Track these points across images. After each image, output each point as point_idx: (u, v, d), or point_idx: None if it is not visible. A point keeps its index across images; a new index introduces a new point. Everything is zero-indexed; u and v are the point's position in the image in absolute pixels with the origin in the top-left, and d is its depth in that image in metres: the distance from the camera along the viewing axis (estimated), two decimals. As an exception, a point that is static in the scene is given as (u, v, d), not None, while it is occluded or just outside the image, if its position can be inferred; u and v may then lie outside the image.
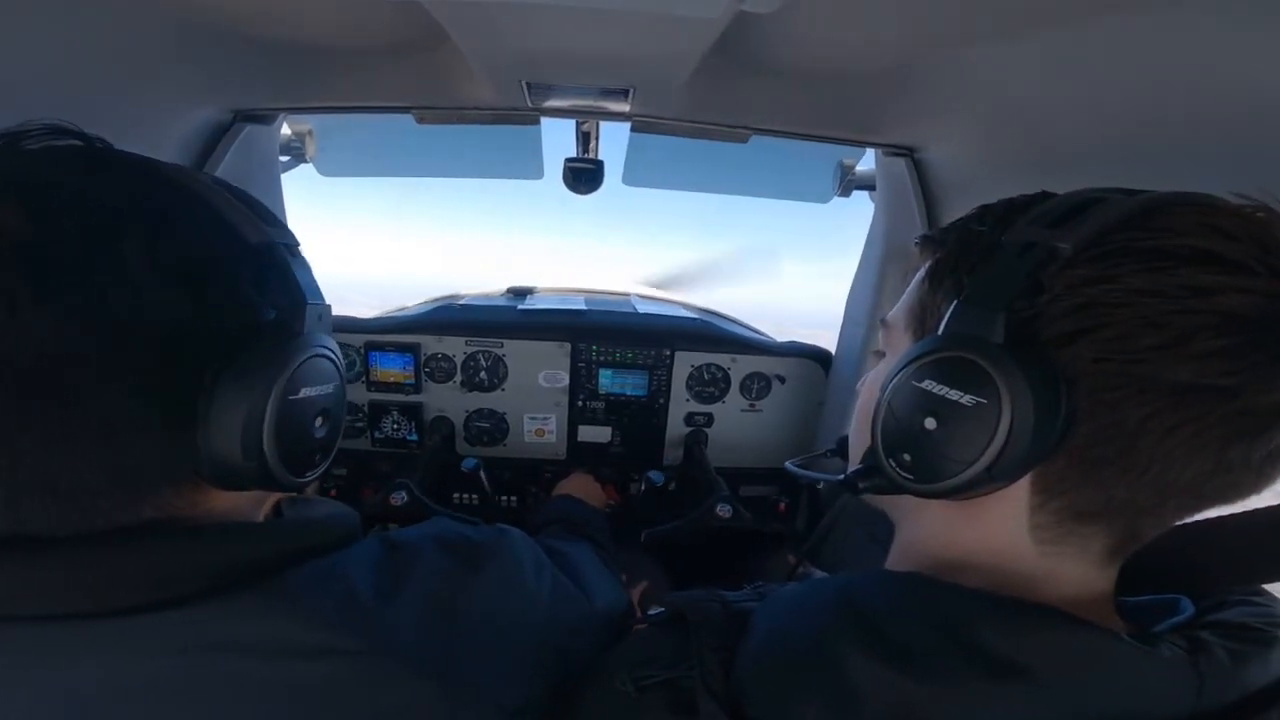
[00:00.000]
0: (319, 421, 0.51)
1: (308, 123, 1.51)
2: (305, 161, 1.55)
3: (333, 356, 0.52)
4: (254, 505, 0.54)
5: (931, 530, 0.50)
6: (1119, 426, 0.38)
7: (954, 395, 0.41)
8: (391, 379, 1.68)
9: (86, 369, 0.39)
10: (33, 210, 0.39)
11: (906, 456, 0.44)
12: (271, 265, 0.50)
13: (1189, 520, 0.43)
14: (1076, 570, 0.43)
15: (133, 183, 0.45)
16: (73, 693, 0.41)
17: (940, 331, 0.43)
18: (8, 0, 0.69)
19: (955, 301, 0.43)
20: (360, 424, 1.72)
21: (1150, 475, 0.38)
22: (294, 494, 0.58)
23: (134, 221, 0.42)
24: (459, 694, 0.48)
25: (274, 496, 0.56)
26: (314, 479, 0.53)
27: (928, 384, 0.42)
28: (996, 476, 0.40)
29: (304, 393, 0.48)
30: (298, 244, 0.54)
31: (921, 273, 0.51)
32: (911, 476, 0.44)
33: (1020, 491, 0.42)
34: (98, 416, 0.40)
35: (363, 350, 1.65)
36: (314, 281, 0.53)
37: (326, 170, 1.62)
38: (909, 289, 0.52)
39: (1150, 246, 0.37)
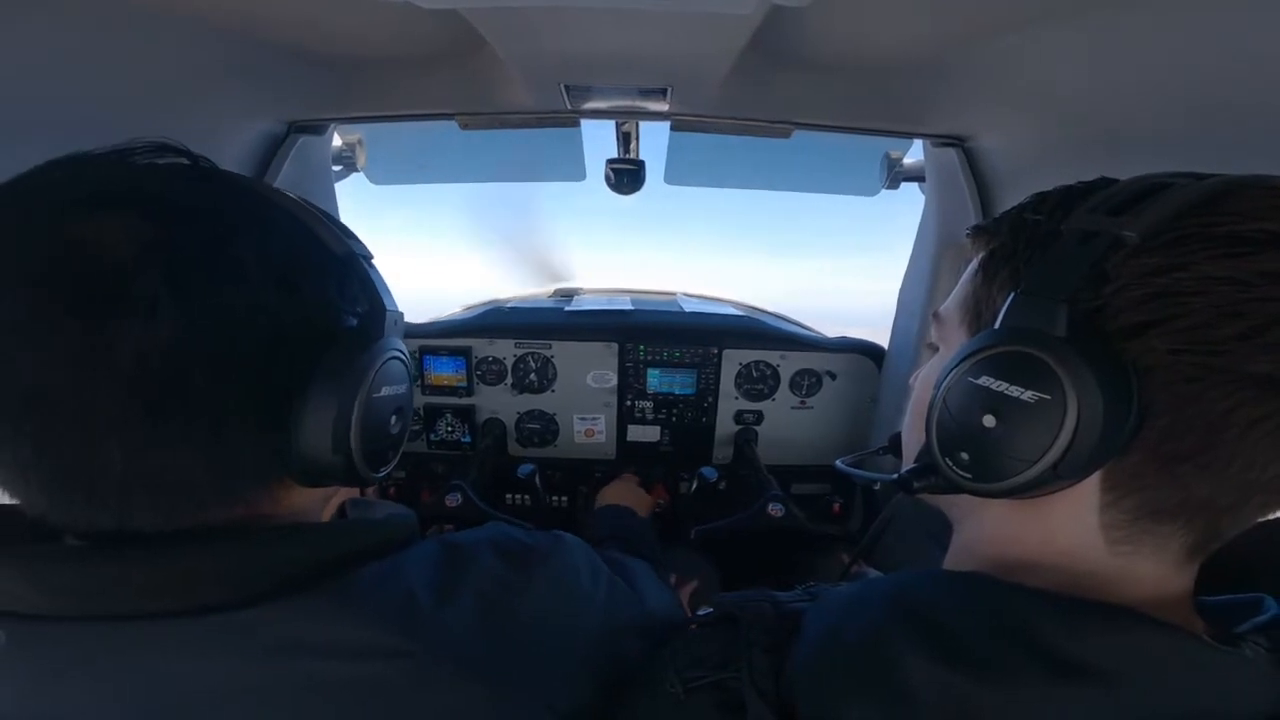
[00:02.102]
0: (394, 419, 0.54)
1: (358, 132, 1.55)
2: (356, 170, 1.58)
3: (405, 359, 0.55)
4: (320, 506, 0.57)
5: (993, 530, 0.48)
6: (1197, 420, 0.36)
7: (1014, 391, 0.39)
8: (445, 382, 1.71)
9: (207, 367, 0.41)
10: (156, 218, 0.41)
11: (964, 455, 0.43)
12: (353, 273, 0.53)
13: (1273, 516, 0.41)
14: (1153, 570, 0.41)
15: (236, 194, 0.48)
16: (150, 692, 0.43)
17: (997, 325, 0.42)
18: (74, 20, 0.72)
19: (1012, 293, 0.41)
20: (416, 427, 1.76)
21: (1232, 472, 0.36)
22: (357, 496, 0.60)
23: (244, 228, 0.45)
24: (509, 696, 0.48)
25: (338, 498, 0.58)
26: (386, 474, 0.55)
27: (985, 380, 0.41)
28: (1063, 475, 0.38)
29: (384, 391, 0.51)
30: (371, 255, 0.56)
31: (974, 264, 0.49)
32: (970, 476, 0.43)
33: (1089, 489, 0.40)
34: (210, 414, 0.42)
35: (417, 355, 1.69)
36: (389, 289, 0.56)
37: (377, 178, 1.66)
38: (962, 281, 0.51)
39: (1223, 232, 0.35)
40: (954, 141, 1.23)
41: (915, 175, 1.51)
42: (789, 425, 1.75)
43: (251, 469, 0.46)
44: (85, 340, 0.38)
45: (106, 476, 0.41)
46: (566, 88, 1.07)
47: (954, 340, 0.49)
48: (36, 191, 0.42)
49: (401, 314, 0.57)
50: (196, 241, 0.42)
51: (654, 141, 1.48)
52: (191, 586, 0.43)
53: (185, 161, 0.48)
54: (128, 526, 0.43)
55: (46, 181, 0.42)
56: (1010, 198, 1.17)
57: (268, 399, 0.45)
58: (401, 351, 0.54)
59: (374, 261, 0.56)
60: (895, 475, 0.52)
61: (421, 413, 1.74)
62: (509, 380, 1.71)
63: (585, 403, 1.74)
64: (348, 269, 0.53)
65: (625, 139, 1.42)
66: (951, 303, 0.51)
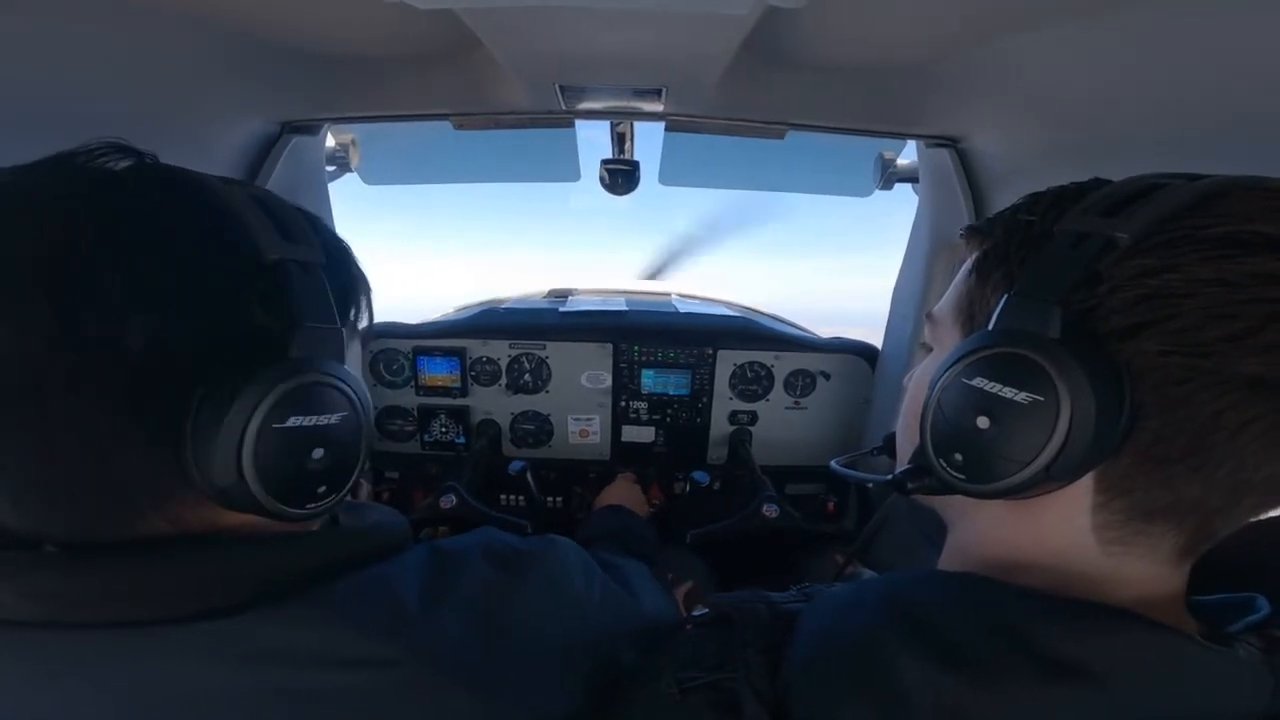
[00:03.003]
0: (319, 452, 0.47)
1: (351, 132, 1.55)
2: (350, 171, 1.58)
3: (337, 383, 0.48)
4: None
5: (986, 530, 0.48)
6: (1188, 422, 0.36)
7: (1008, 393, 0.39)
8: (439, 383, 1.71)
9: (58, 383, 0.39)
10: (33, 228, 0.40)
11: (958, 456, 0.43)
12: (280, 284, 0.47)
13: (1264, 517, 0.41)
14: (1145, 570, 0.41)
15: (158, 201, 0.45)
16: (133, 699, 0.42)
17: (991, 326, 0.42)
18: (66, 17, 0.72)
19: (1006, 295, 0.42)
20: (410, 428, 1.75)
21: (1223, 473, 0.36)
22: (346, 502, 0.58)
23: (126, 239, 0.42)
24: (496, 702, 0.48)
25: None
26: (320, 510, 0.49)
27: (979, 381, 0.41)
28: (1055, 476, 0.38)
29: (292, 421, 0.44)
30: (319, 261, 0.50)
31: (968, 264, 0.49)
32: (963, 477, 0.43)
33: (1082, 490, 0.41)
34: (76, 429, 0.40)
35: (411, 355, 1.68)
36: (328, 303, 0.49)
37: (370, 179, 1.66)
38: (955, 282, 0.51)
39: (1215, 234, 0.36)
40: (947, 142, 1.24)
41: (909, 176, 1.51)
42: (783, 425, 1.75)
43: (145, 486, 0.44)
44: None
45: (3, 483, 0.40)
46: (561, 88, 1.07)
47: (948, 341, 0.49)
48: None
49: (338, 330, 0.49)
50: (62, 253, 0.40)
51: (649, 142, 1.49)
52: (173, 594, 0.43)
53: (130, 162, 0.45)
54: (35, 534, 0.42)
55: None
56: (1003, 198, 1.17)
57: (155, 417, 0.42)
58: (330, 374, 0.47)
59: (317, 269, 0.50)
60: (889, 476, 0.52)
61: (415, 413, 1.74)
62: (503, 381, 1.71)
63: (580, 403, 1.74)
64: (275, 279, 0.47)
65: (620, 139, 1.42)
66: (945, 303, 0.51)
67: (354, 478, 0.51)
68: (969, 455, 0.42)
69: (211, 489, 0.43)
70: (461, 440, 1.76)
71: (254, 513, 0.45)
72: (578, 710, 0.53)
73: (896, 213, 1.62)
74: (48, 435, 0.40)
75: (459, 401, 1.73)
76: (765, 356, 1.70)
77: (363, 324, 0.59)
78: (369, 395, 0.52)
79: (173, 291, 0.43)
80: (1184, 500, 0.38)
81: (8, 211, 0.40)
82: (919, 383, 0.53)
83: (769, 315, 2.13)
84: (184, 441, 0.42)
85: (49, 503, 0.42)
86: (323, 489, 0.48)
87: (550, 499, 1.81)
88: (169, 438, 0.42)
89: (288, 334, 0.46)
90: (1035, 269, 0.41)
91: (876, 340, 1.70)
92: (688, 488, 1.67)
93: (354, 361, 0.56)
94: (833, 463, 0.74)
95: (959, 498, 0.46)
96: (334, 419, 0.47)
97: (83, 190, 0.43)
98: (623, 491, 1.53)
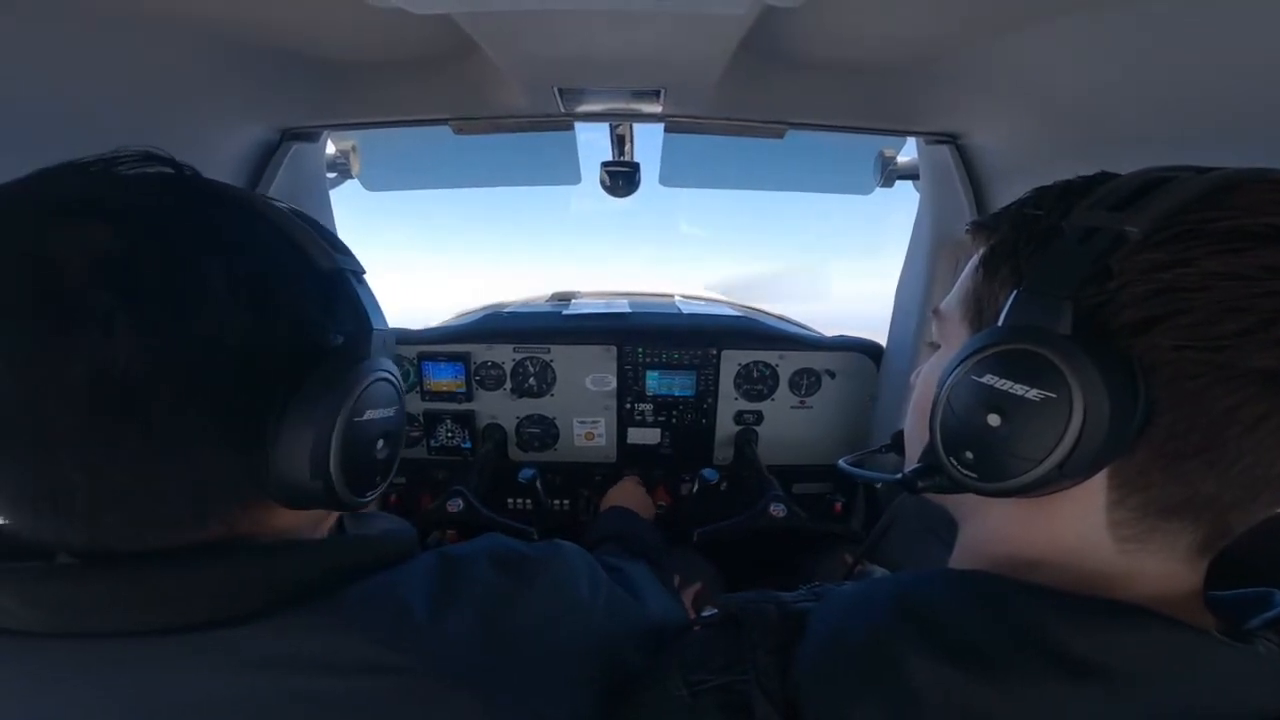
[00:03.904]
0: (380, 443, 0.52)
1: (351, 139, 1.55)
2: (351, 177, 1.58)
3: (394, 380, 0.53)
4: (314, 523, 0.55)
5: (998, 529, 0.48)
6: (1203, 417, 0.35)
7: (1019, 390, 0.39)
8: (444, 388, 1.71)
9: (172, 387, 0.40)
10: (122, 230, 0.40)
11: (969, 454, 0.42)
12: (340, 291, 0.51)
13: None
14: (1162, 567, 0.41)
15: (215, 207, 0.47)
16: (140, 708, 0.42)
17: (1000, 323, 0.41)
18: (66, 26, 0.72)
19: (1015, 291, 0.41)
20: (416, 433, 1.76)
21: (1238, 469, 0.36)
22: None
23: (215, 244, 0.44)
24: (500, 706, 0.48)
25: (333, 515, 0.57)
26: (374, 498, 0.53)
27: (989, 379, 0.40)
28: (1069, 474, 0.38)
29: (368, 415, 0.49)
30: (363, 270, 0.55)
31: (975, 260, 0.49)
32: (975, 475, 0.42)
33: (1095, 487, 0.40)
34: (178, 435, 0.41)
35: (416, 361, 1.69)
36: (379, 307, 0.54)
37: (371, 185, 1.66)
38: (962, 277, 0.50)
39: (1225, 227, 0.35)
40: (947, 139, 1.24)
41: (909, 173, 1.51)
42: (789, 425, 1.75)
43: (227, 491, 0.45)
44: (38, 354, 0.37)
45: (71, 494, 0.40)
46: (560, 91, 1.07)
47: (955, 338, 0.49)
48: (12, 202, 0.41)
49: (391, 332, 0.55)
50: (160, 256, 0.41)
51: (649, 143, 1.49)
52: (184, 603, 0.43)
53: (169, 171, 0.46)
54: (99, 545, 0.42)
55: (24, 192, 0.41)
56: (1004, 193, 1.17)
57: (240, 421, 0.44)
58: (390, 373, 0.52)
59: (364, 277, 0.55)
60: (899, 475, 0.51)
61: (421, 419, 1.74)
62: (508, 385, 1.71)
63: (585, 406, 1.74)
64: (334, 286, 0.51)
65: (620, 141, 1.42)
66: (952, 300, 0.51)
67: (396, 466, 0.56)
68: (980, 453, 0.42)
69: (286, 486, 0.45)
70: (467, 445, 1.76)
71: (320, 507, 0.48)
72: (583, 714, 0.53)
73: (896, 212, 1.62)
74: (155, 445, 0.41)
75: (464, 406, 1.73)
76: (770, 356, 1.70)
77: None
78: None
79: (259, 295, 0.45)
80: (1200, 496, 0.37)
81: (85, 220, 0.40)
82: (927, 380, 0.53)
83: (773, 315, 2.13)
84: (267, 441, 0.44)
85: (125, 516, 0.42)
86: (379, 477, 0.53)
87: (556, 502, 1.81)
88: (254, 441, 0.44)
89: (361, 336, 0.50)
90: (1044, 264, 0.41)
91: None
92: (696, 486, 1.67)
93: None
94: (841, 461, 0.74)
95: (970, 496, 0.45)
96: (392, 412, 0.53)
97: (152, 199, 0.44)
98: (628, 493, 1.53)
